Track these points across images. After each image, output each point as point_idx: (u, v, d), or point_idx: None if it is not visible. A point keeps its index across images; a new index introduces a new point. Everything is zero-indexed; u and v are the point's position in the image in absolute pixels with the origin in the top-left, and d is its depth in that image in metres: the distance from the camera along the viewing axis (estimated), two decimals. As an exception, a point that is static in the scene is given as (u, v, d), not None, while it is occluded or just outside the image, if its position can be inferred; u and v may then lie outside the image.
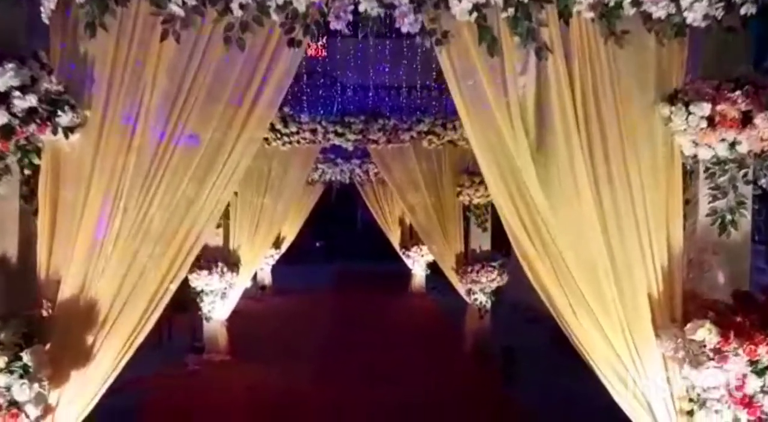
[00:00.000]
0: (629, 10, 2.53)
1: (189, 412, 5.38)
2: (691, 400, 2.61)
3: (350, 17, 2.49)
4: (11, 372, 2.40)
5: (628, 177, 2.68)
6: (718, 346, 2.44)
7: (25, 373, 2.42)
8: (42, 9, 2.65)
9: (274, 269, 12.05)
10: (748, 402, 2.47)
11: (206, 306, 6.82)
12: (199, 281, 6.64)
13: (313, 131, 6.48)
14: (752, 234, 2.81)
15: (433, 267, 10.16)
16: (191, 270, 6.48)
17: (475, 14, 2.50)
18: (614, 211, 2.68)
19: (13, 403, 2.41)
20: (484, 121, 2.75)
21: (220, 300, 6.83)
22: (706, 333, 2.45)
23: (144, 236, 2.73)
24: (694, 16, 2.47)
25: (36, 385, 2.44)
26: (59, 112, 2.54)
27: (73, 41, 2.67)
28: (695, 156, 2.66)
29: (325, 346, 7.87)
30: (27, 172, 2.68)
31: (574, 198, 2.70)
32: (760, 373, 2.44)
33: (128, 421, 5.07)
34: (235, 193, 6.83)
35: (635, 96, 2.67)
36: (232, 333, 7.19)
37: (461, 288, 7.17)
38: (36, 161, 2.65)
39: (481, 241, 7.13)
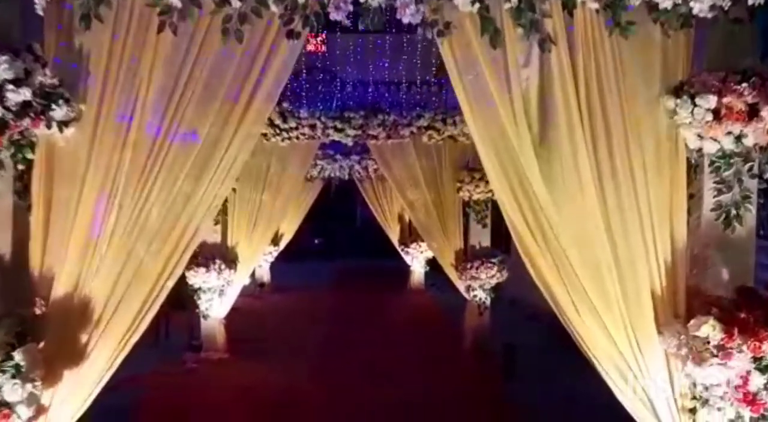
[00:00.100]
0: (634, 0, 2.48)
1: (186, 411, 5.35)
2: (693, 397, 2.60)
3: (350, 8, 2.44)
4: (3, 372, 2.36)
5: (632, 171, 2.64)
6: (721, 343, 2.42)
7: (18, 373, 2.38)
8: (36, 1, 2.60)
9: (273, 266, 12.03)
10: (751, 400, 2.45)
11: (204, 303, 6.79)
12: (197, 278, 6.61)
13: (312, 126, 6.44)
14: (756, 229, 2.77)
15: (433, 264, 10.14)
16: (189, 268, 6.46)
17: (477, 5, 2.46)
18: (618, 207, 2.65)
19: (4, 404, 2.37)
20: (486, 116, 2.72)
21: (217, 297, 6.80)
22: (709, 330, 2.43)
23: (140, 233, 2.70)
24: (700, 7, 2.43)
25: (28, 385, 2.40)
26: (53, 106, 2.50)
27: (67, 34, 2.62)
28: (700, 149, 2.63)
29: (323, 344, 7.85)
30: (21, 167, 2.65)
31: (577, 193, 2.66)
32: (763, 370, 2.43)
33: (125, 420, 5.04)
34: (234, 190, 6.81)
35: (640, 88, 2.64)
36: (230, 331, 7.16)
37: (461, 285, 7.15)
38: (30, 156, 2.62)
39: (481, 238, 7.11)
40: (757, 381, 2.42)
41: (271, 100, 2.88)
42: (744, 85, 2.46)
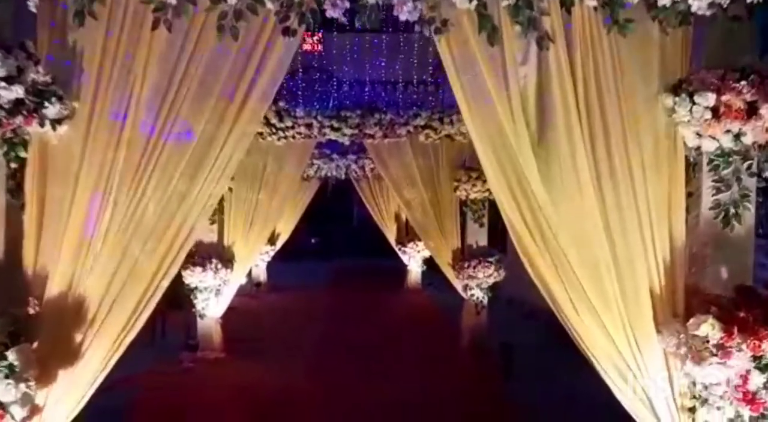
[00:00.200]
0: (633, -3, 2.47)
1: (183, 410, 5.32)
2: (693, 397, 2.59)
3: (347, 5, 2.42)
4: (-4, 372, 2.33)
5: (631, 170, 2.63)
6: (721, 342, 2.41)
7: (11, 373, 2.36)
8: (29, -3, 2.57)
9: (270, 266, 12.00)
10: (751, 399, 2.44)
11: (200, 303, 6.77)
12: (193, 278, 6.58)
13: (309, 126, 6.41)
14: (755, 228, 2.76)
15: (430, 263, 10.12)
16: (185, 267, 6.43)
17: (474, 2, 2.44)
18: (616, 205, 2.64)
19: (-2, 404, 2.35)
20: (484, 114, 2.70)
21: (214, 297, 6.78)
22: (709, 329, 2.42)
23: (134, 232, 2.68)
24: (699, 4, 2.41)
25: (22, 385, 2.39)
26: (46, 104, 2.48)
27: (61, 31, 2.60)
28: (698, 148, 2.62)
29: (320, 343, 7.83)
30: (13, 165, 2.62)
31: (576, 193, 2.65)
32: (763, 369, 2.42)
33: (121, 419, 5.01)
34: (230, 189, 6.78)
35: (638, 86, 2.62)
36: (227, 331, 7.14)
37: (458, 284, 7.14)
38: (23, 154, 2.59)
39: (478, 237, 7.10)
40: (756, 380, 2.41)
41: (266, 98, 2.86)
42: (743, 82, 2.45)
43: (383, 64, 8.50)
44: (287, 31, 2.52)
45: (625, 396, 2.71)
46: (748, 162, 2.60)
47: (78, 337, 2.63)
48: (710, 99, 2.46)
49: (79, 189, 2.61)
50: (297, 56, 6.99)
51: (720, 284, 2.65)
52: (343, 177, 10.89)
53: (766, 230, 5.01)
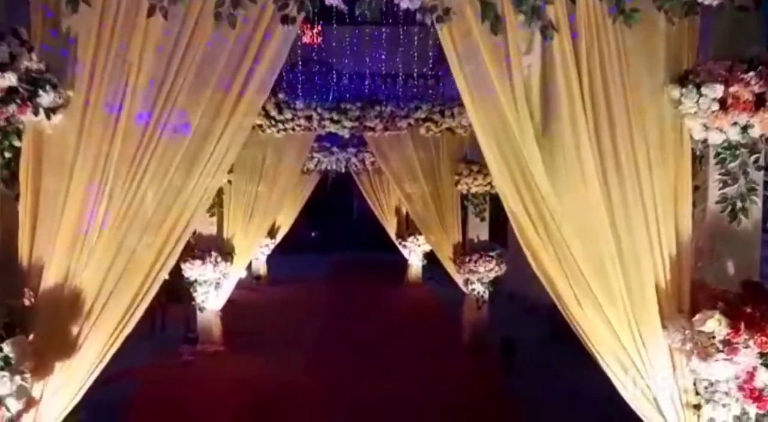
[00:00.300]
0: (639, -14, 2.42)
1: (182, 403, 5.32)
2: (698, 393, 2.56)
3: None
4: (-9, 364, 2.30)
5: (636, 163, 2.59)
6: (727, 338, 2.37)
7: (6, 365, 2.33)
8: (22, -16, 2.53)
9: (270, 259, 11.99)
10: (757, 396, 2.41)
11: (200, 296, 6.77)
12: (193, 271, 6.58)
13: (309, 118, 6.35)
14: (762, 222, 2.72)
15: (430, 258, 10.09)
16: (184, 260, 6.42)
17: (478, -10, 2.39)
18: (622, 200, 2.60)
19: (-7, 397, 2.32)
20: (488, 105, 2.66)
21: (213, 290, 6.77)
22: (715, 325, 2.39)
23: (131, 224, 2.65)
24: (705, -6, 2.36)
25: (17, 378, 2.36)
26: (40, 92, 2.43)
27: (54, 18, 2.55)
28: (705, 140, 2.58)
29: (320, 337, 7.82)
30: (8, 155, 2.57)
31: (580, 185, 2.61)
32: (770, 366, 2.38)
33: (120, 412, 4.99)
34: (229, 181, 6.75)
35: (644, 77, 2.58)
36: (227, 324, 7.14)
37: (459, 279, 7.10)
38: (17, 143, 2.55)
39: (479, 231, 7.05)
40: (763, 376, 2.38)
41: (263, 90, 2.81)
42: (751, 73, 2.41)
43: (383, 56, 8.43)
44: (286, 19, 2.48)
45: (629, 392, 2.67)
46: (756, 155, 2.56)
47: (74, 329, 2.60)
48: (718, 90, 2.42)
49: (74, 179, 2.57)
50: (296, 49, 6.93)
51: (726, 279, 2.61)
52: (343, 170, 10.86)
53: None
